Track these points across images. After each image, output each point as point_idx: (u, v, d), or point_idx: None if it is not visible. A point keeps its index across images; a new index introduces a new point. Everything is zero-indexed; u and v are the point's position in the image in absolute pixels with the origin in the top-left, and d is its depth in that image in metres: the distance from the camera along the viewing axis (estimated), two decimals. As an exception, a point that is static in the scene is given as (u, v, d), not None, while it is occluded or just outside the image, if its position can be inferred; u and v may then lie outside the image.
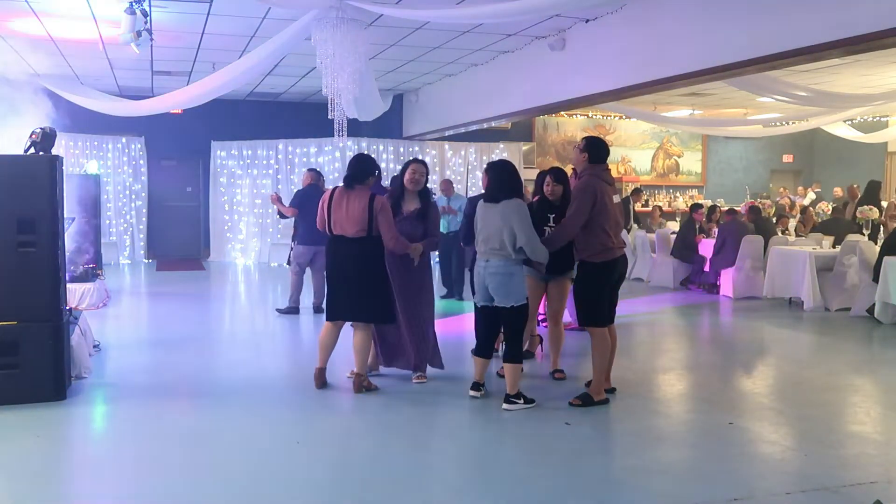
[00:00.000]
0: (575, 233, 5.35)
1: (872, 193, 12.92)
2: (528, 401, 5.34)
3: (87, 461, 4.60)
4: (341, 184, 5.71)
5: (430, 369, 6.08)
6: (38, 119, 7.55)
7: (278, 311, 9.17)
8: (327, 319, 5.75)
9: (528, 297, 5.51)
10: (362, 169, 5.64)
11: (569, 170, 6.50)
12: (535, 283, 6.18)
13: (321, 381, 5.79)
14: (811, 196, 16.43)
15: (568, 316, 8.23)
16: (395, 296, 5.79)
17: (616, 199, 5.56)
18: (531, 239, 5.24)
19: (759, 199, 14.26)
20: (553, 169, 6.37)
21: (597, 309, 5.41)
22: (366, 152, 14.06)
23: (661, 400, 5.84)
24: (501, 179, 5.32)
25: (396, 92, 14.51)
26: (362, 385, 5.66)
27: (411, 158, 6.32)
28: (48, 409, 5.30)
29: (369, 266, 5.55)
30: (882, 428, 5.22)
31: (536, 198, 6.32)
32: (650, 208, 14.69)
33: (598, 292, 5.41)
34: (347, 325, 5.76)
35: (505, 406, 5.28)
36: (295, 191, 10.66)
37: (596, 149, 5.49)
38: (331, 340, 5.76)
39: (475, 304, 5.54)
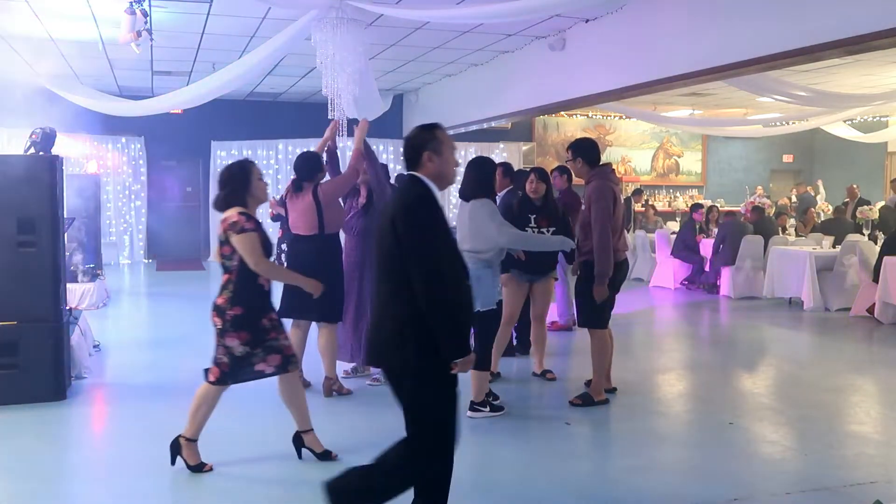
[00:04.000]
0: (606, 243, 5.20)
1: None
2: (494, 409, 5.22)
3: (87, 461, 4.60)
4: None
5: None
6: (38, 119, 7.55)
7: None
8: (293, 321, 5.66)
9: (511, 299, 5.42)
10: (308, 167, 5.55)
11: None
12: (519, 284, 6.00)
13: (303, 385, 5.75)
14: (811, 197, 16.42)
15: (556, 315, 8.24)
16: (361, 290, 5.74)
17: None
18: (504, 235, 4.98)
19: (759, 199, 14.22)
20: (536, 168, 6.32)
21: (600, 310, 5.40)
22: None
23: (661, 400, 5.84)
24: (472, 177, 5.14)
25: (396, 92, 14.51)
26: (332, 389, 5.59)
27: None
28: (48, 409, 5.30)
29: (324, 265, 5.42)
30: (882, 428, 5.22)
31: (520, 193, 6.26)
32: (645, 208, 14.70)
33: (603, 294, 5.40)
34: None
35: (469, 414, 5.13)
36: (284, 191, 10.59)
37: (589, 151, 5.40)
38: (301, 342, 5.66)
39: None
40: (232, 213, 3.96)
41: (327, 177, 5.79)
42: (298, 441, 4.34)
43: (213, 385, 4.09)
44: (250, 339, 3.98)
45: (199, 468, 4.16)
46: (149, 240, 15.17)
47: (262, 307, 4.06)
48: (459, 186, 5.34)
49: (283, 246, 9.13)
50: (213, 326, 4.08)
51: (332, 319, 5.59)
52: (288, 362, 4.14)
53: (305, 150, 5.99)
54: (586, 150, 5.41)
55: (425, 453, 3.04)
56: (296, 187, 5.57)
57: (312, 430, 4.35)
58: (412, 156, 3.09)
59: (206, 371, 4.13)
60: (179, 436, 4.18)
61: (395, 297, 2.99)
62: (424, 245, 2.91)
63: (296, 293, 5.52)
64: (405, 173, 3.15)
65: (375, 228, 5.52)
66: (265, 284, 4.08)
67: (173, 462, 4.17)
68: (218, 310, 4.00)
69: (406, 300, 2.93)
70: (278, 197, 10.42)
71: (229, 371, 4.04)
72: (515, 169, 7.33)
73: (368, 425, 5.12)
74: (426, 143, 3.07)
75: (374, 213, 5.83)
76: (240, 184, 4.04)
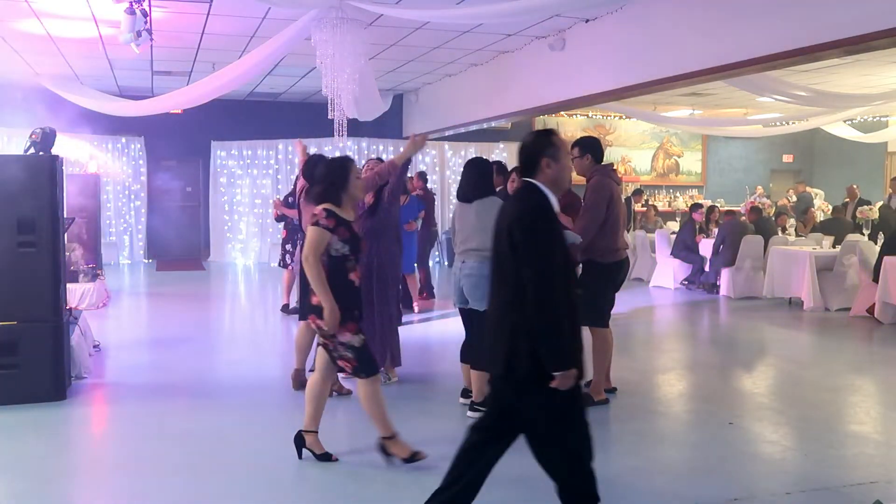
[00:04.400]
0: (594, 231, 5.27)
1: None
2: None
3: (87, 461, 4.60)
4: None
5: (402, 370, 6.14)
6: (38, 119, 7.54)
7: (286, 312, 9.13)
8: (300, 318, 5.76)
9: None
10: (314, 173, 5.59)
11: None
12: None
13: (298, 382, 5.77)
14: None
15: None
16: (368, 292, 5.71)
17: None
18: None
19: (759, 199, 14.22)
20: (518, 167, 6.31)
21: (601, 309, 5.41)
22: (349, 153, 13.98)
23: (661, 400, 5.84)
24: (472, 177, 5.16)
25: (396, 92, 14.51)
26: (332, 389, 5.57)
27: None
28: (48, 409, 5.30)
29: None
30: (882, 428, 5.23)
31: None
32: (646, 208, 14.71)
33: (604, 292, 5.40)
34: None
35: (469, 414, 5.13)
36: (286, 192, 10.59)
37: (596, 149, 5.48)
38: (305, 341, 5.74)
39: (458, 307, 5.35)
40: (319, 208, 4.06)
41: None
42: (300, 441, 4.33)
43: (362, 379, 4.11)
44: (359, 328, 4.07)
45: (413, 458, 4.20)
46: (149, 240, 15.16)
47: (355, 301, 4.11)
48: (458, 188, 5.35)
49: (287, 246, 9.15)
50: (316, 331, 4.09)
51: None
52: None
53: (309, 151, 5.99)
54: (595, 147, 5.48)
55: (569, 461, 3.05)
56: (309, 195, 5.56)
57: (317, 432, 4.36)
58: (530, 162, 3.11)
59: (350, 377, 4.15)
60: (380, 437, 4.22)
61: (510, 306, 2.99)
62: (539, 254, 2.91)
63: (310, 293, 5.56)
64: (523, 180, 3.14)
65: (383, 230, 5.50)
66: (355, 280, 4.14)
67: (388, 461, 4.21)
68: (316, 310, 4.03)
69: (520, 309, 2.94)
70: (280, 197, 10.44)
71: (360, 364, 4.09)
72: (510, 168, 7.35)
73: (367, 425, 5.11)
74: (544, 148, 3.10)
75: (381, 215, 5.81)
76: (338, 181, 4.12)
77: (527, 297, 2.89)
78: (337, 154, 6.44)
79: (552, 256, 2.92)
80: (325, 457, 4.30)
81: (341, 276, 4.05)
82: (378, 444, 4.23)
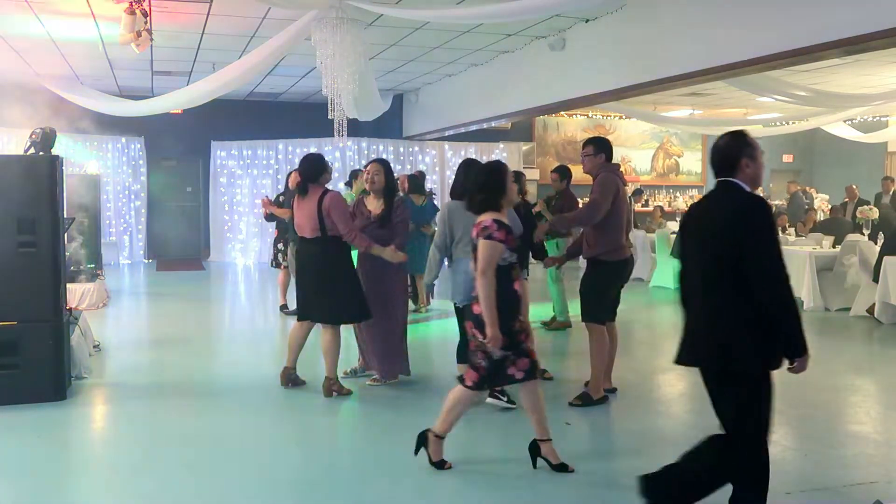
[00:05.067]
0: (597, 220, 5.27)
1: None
2: (510, 401, 5.25)
3: (87, 461, 4.60)
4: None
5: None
6: (38, 119, 7.53)
7: (285, 312, 9.13)
8: (297, 319, 5.78)
9: None
10: (313, 169, 5.57)
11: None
12: None
13: (286, 380, 5.79)
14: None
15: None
16: (376, 298, 5.70)
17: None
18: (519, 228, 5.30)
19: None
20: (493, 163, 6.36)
21: (600, 306, 5.42)
22: (345, 152, 13.98)
23: (661, 400, 5.84)
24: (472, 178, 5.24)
25: (396, 92, 14.51)
26: (332, 389, 5.58)
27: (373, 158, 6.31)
28: (48, 409, 5.30)
29: (327, 267, 5.46)
30: (882, 428, 5.23)
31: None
32: (651, 208, 14.69)
33: (605, 290, 5.42)
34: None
35: (489, 399, 5.19)
36: (279, 192, 10.58)
37: (609, 149, 5.52)
38: (298, 340, 5.76)
39: (454, 305, 5.40)
40: (486, 218, 4.03)
41: (333, 185, 5.77)
42: (535, 450, 4.25)
43: (470, 389, 4.11)
44: (507, 342, 4.00)
45: (440, 465, 4.18)
46: (149, 240, 15.17)
47: (515, 310, 4.08)
48: (454, 187, 5.36)
49: (279, 245, 9.15)
50: (471, 338, 4.08)
51: (334, 321, 5.59)
52: (535, 367, 4.16)
53: (309, 151, 5.98)
54: (608, 148, 5.52)
55: (745, 449, 3.18)
56: (301, 190, 5.57)
57: (550, 439, 4.24)
58: (730, 163, 3.23)
59: (461, 377, 4.14)
60: (428, 430, 4.20)
61: (732, 301, 3.11)
62: (772, 247, 3.11)
63: (307, 293, 5.58)
64: (722, 179, 3.23)
65: (391, 239, 5.46)
66: (518, 289, 4.11)
67: (416, 452, 4.19)
68: (476, 320, 4.03)
69: (744, 304, 3.07)
70: (273, 197, 10.44)
71: (486, 375, 4.08)
72: (513, 169, 7.38)
73: (368, 425, 5.13)
74: (742, 149, 3.23)
75: (390, 226, 5.78)
76: (498, 189, 4.11)
77: (754, 291, 3.04)
78: (337, 154, 6.45)
79: (780, 249, 3.12)
80: (562, 467, 4.18)
81: (508, 284, 4.02)
82: (421, 436, 4.21)
